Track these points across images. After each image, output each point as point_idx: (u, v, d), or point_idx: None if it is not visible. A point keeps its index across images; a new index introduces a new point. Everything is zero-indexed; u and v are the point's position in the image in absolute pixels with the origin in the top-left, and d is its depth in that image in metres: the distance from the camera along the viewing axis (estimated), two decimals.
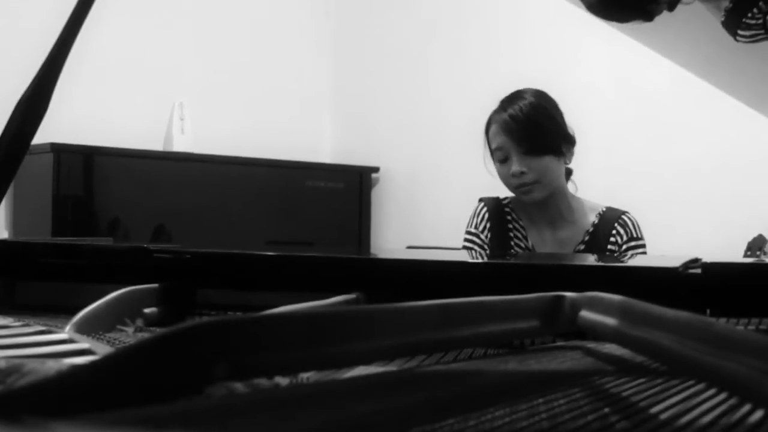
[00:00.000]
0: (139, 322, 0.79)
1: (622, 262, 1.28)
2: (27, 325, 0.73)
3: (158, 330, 0.74)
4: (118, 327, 0.78)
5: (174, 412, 0.36)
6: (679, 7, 1.52)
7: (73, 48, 0.91)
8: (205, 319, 0.57)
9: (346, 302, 0.77)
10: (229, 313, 0.87)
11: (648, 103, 3.11)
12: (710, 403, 0.44)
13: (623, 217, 2.06)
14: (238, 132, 3.74)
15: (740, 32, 1.51)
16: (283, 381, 0.49)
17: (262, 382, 0.48)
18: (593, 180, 2.49)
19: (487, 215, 2.12)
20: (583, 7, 1.58)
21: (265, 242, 3.44)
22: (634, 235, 2.04)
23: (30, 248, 1.13)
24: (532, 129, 1.97)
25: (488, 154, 2.07)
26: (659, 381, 0.50)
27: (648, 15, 1.53)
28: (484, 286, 0.77)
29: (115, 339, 0.72)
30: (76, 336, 0.68)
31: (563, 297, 0.64)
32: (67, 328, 0.71)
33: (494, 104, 2.07)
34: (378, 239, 3.93)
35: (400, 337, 0.50)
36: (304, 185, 3.64)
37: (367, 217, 3.89)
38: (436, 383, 0.51)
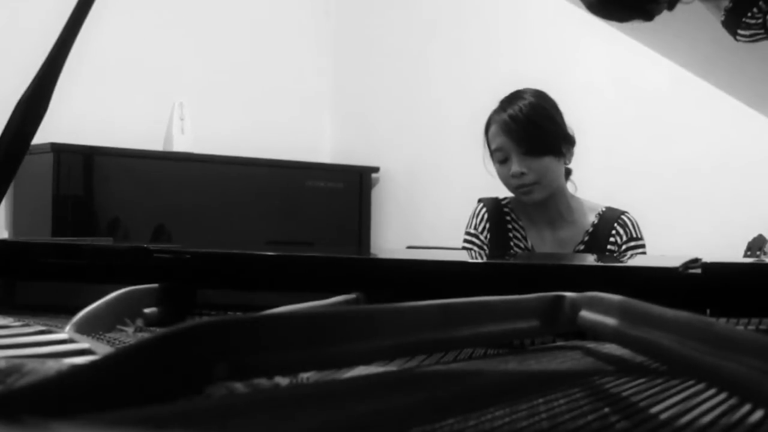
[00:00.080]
0: (139, 322, 0.79)
1: (622, 262, 1.28)
2: (27, 325, 0.73)
3: (158, 330, 0.74)
4: (118, 327, 0.78)
5: (174, 412, 0.36)
6: (679, 7, 1.51)
7: (73, 48, 0.91)
8: (205, 319, 0.57)
9: (346, 302, 0.77)
10: (229, 313, 0.87)
11: (647, 103, 3.11)
12: (710, 403, 0.44)
13: (623, 217, 2.06)
14: (238, 132, 3.74)
15: (740, 32, 1.51)
16: (283, 381, 0.49)
17: (262, 382, 0.48)
18: (593, 180, 2.49)
19: (486, 216, 2.12)
20: (583, 6, 1.58)
21: (265, 242, 3.44)
22: (634, 235, 2.04)
23: (30, 248, 1.13)
24: (532, 129, 1.97)
25: (488, 154, 2.07)
26: (659, 381, 0.50)
27: (648, 14, 1.53)
28: (484, 286, 0.77)
29: (115, 339, 0.72)
30: (76, 336, 0.68)
31: (563, 297, 0.64)
32: (67, 328, 0.71)
33: (494, 104, 2.07)
34: (378, 239, 3.93)
35: (400, 337, 0.50)
36: (304, 185, 3.64)
37: (367, 217, 3.89)
38: (436, 383, 0.51)
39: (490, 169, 2.07)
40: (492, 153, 2.05)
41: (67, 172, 3.04)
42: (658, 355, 0.55)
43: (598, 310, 0.61)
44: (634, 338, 0.56)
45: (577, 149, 2.07)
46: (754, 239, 2.32)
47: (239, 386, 0.46)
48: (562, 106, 2.06)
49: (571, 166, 2.11)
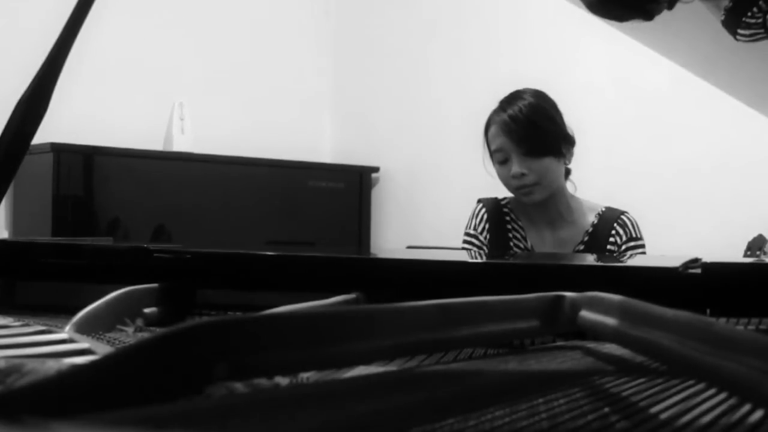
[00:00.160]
0: (139, 322, 0.79)
1: (622, 262, 1.28)
2: (27, 325, 0.73)
3: (158, 330, 0.74)
4: (118, 327, 0.78)
5: (174, 412, 0.36)
6: (679, 7, 1.51)
7: (73, 48, 0.91)
8: (205, 319, 0.57)
9: (346, 302, 0.77)
10: (229, 313, 0.87)
11: (647, 103, 3.11)
12: (710, 403, 0.44)
13: (622, 217, 2.06)
14: (238, 132, 3.74)
15: (740, 31, 1.51)
16: (283, 381, 0.49)
17: (262, 382, 0.48)
18: (593, 180, 2.49)
19: (485, 216, 2.12)
20: (583, 6, 1.58)
21: (265, 242, 3.44)
22: (634, 235, 2.04)
23: (30, 248, 1.13)
24: (532, 130, 1.97)
25: (487, 155, 2.07)
26: (659, 381, 0.50)
27: (648, 14, 1.53)
28: (484, 286, 0.77)
29: (115, 339, 0.72)
30: (76, 336, 0.68)
31: (563, 297, 0.64)
32: (67, 328, 0.71)
33: (494, 104, 2.07)
34: (378, 239, 3.93)
35: (400, 337, 0.50)
36: (304, 185, 3.64)
37: (367, 217, 3.89)
38: (436, 383, 0.51)
39: (490, 169, 2.07)
40: (492, 154, 2.05)
41: (67, 172, 3.04)
42: (658, 355, 0.55)
43: (598, 310, 0.61)
44: (634, 338, 0.56)
45: (577, 149, 2.07)
46: (754, 239, 2.32)
47: (239, 386, 0.46)
48: (562, 106, 2.05)
49: (571, 166, 2.11)
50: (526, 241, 2.08)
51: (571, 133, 2.05)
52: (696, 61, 2.34)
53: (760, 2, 1.46)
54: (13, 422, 0.29)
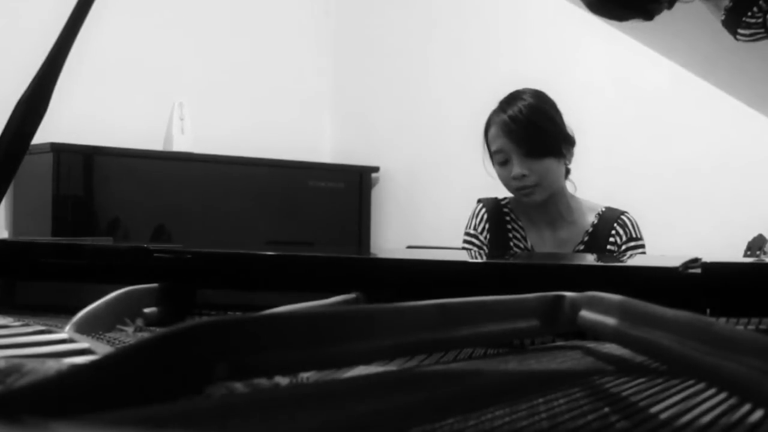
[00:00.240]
0: (139, 322, 0.79)
1: (622, 262, 1.28)
2: (27, 325, 0.73)
3: (158, 330, 0.74)
4: (118, 327, 0.78)
5: (174, 412, 0.36)
6: (679, 6, 1.51)
7: (73, 48, 0.91)
8: (205, 319, 0.57)
9: (346, 302, 0.77)
10: (229, 313, 0.87)
11: (647, 102, 3.11)
12: (710, 403, 0.44)
13: (622, 217, 2.06)
14: (238, 132, 3.74)
15: (740, 31, 1.51)
16: (283, 381, 0.49)
17: (262, 382, 0.48)
18: (593, 180, 2.49)
19: (485, 216, 2.12)
20: (583, 6, 1.58)
21: (265, 242, 3.44)
22: (634, 235, 2.04)
23: (30, 248, 1.13)
24: (532, 131, 1.97)
25: (487, 155, 2.07)
26: (659, 381, 0.50)
27: (648, 14, 1.53)
28: (484, 286, 0.77)
29: (115, 339, 0.72)
30: (76, 336, 0.68)
31: (563, 297, 0.64)
32: (67, 328, 0.71)
33: (494, 104, 2.06)
34: (378, 239, 3.93)
35: (400, 337, 0.50)
36: (304, 185, 3.64)
37: (367, 217, 3.89)
38: (436, 383, 0.51)
39: (490, 169, 2.07)
40: (492, 155, 2.04)
41: (67, 172, 3.04)
42: (658, 355, 0.55)
43: (598, 310, 0.61)
44: (634, 338, 0.56)
45: (577, 149, 2.07)
46: (754, 239, 2.32)
47: (239, 386, 0.46)
48: (562, 106, 2.05)
49: (571, 166, 2.11)
50: (526, 241, 2.08)
51: (571, 134, 2.04)
52: (696, 61, 2.34)
53: (761, 2, 1.46)
54: (13, 422, 0.29)
